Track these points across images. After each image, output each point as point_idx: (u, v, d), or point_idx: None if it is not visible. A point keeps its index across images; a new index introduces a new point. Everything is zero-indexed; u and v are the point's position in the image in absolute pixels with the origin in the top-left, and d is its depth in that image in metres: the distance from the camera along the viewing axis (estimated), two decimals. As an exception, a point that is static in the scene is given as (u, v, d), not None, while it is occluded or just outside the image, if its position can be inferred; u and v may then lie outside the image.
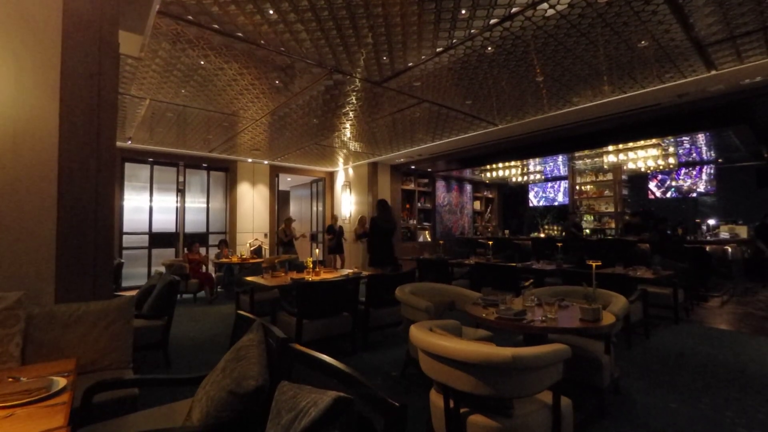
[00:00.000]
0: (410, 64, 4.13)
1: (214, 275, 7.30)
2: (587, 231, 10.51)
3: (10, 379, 1.50)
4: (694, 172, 10.23)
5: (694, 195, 10.48)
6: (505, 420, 1.73)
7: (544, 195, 13.05)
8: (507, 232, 12.15)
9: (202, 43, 3.64)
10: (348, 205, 10.57)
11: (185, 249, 7.89)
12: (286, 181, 12.22)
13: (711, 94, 4.92)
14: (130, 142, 7.45)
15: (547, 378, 1.75)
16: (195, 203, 9.07)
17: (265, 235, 9.92)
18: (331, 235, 9.04)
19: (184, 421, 1.61)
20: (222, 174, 9.41)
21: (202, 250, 8.30)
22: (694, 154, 9.35)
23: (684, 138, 7.79)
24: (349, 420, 1.01)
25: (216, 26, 3.37)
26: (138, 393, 2.03)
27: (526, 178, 11.48)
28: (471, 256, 7.84)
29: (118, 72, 2.72)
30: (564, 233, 9.19)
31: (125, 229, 7.93)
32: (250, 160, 9.47)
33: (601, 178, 10.63)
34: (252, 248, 8.68)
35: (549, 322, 2.36)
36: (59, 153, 2.33)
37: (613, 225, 10.25)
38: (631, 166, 9.07)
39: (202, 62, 4.05)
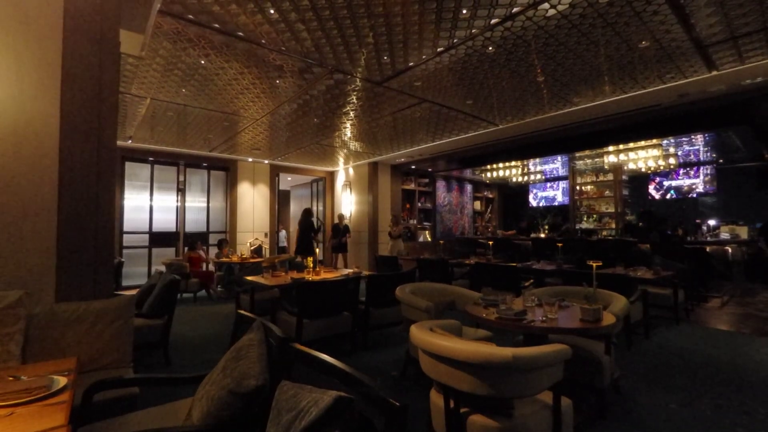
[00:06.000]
0: (411, 64, 4.13)
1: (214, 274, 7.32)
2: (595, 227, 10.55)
3: (11, 378, 1.50)
4: (692, 172, 10.23)
5: (694, 195, 10.47)
6: (505, 420, 1.73)
7: (543, 195, 13.04)
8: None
9: (203, 42, 3.64)
10: (348, 204, 10.58)
11: (185, 248, 7.89)
12: (286, 181, 12.22)
13: (712, 95, 4.91)
14: (130, 141, 7.45)
15: (547, 378, 1.74)
16: (195, 202, 9.07)
17: (266, 234, 9.92)
18: (335, 234, 9.07)
19: (184, 421, 1.61)
20: (222, 173, 9.41)
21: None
22: (692, 156, 9.35)
23: (684, 138, 7.79)
24: (349, 420, 1.01)
25: (217, 25, 3.37)
26: (138, 392, 2.03)
27: (526, 178, 11.47)
28: (471, 256, 7.84)
29: (118, 71, 2.72)
30: (557, 234, 9.29)
31: (125, 228, 7.93)
32: (250, 159, 9.47)
33: (601, 178, 10.63)
34: (252, 248, 8.67)
35: (549, 322, 2.36)
36: (60, 152, 2.32)
37: (613, 225, 10.24)
38: (631, 166, 9.05)
39: (203, 61, 4.05)
